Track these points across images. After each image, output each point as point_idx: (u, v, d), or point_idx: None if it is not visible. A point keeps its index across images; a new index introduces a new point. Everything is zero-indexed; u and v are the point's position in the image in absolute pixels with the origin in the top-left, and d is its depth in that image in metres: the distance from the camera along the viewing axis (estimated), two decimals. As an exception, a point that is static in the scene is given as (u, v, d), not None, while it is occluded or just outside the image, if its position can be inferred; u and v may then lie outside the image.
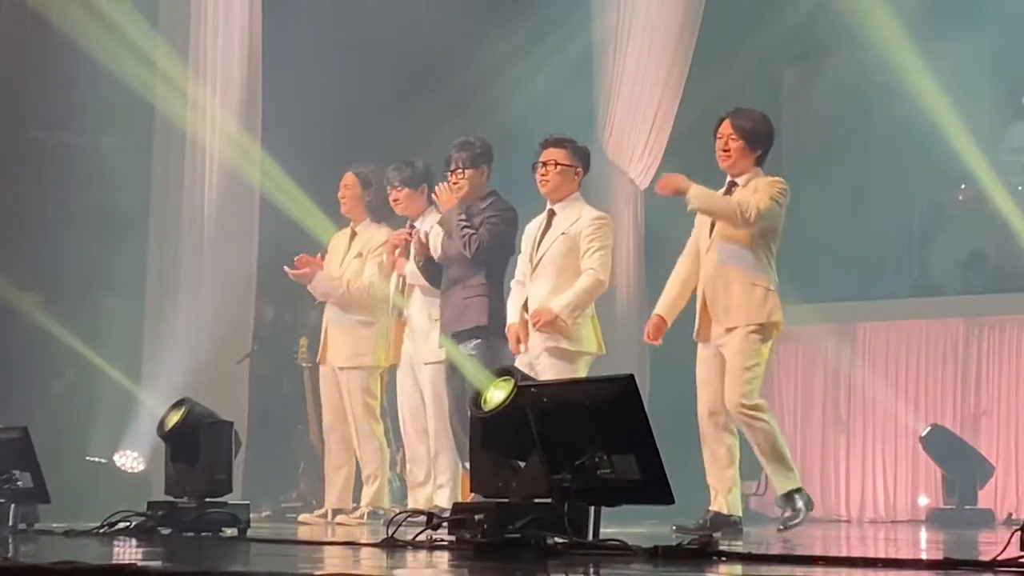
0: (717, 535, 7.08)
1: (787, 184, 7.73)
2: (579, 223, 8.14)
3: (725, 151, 7.67)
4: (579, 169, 8.25)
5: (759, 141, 7.67)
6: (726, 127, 7.68)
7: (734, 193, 7.65)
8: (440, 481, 8.86)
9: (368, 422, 9.30)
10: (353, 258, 9.43)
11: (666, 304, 7.84)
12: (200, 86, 10.84)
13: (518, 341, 8.11)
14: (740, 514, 7.71)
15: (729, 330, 7.56)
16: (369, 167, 9.46)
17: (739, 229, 7.54)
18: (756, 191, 7.57)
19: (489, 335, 8.50)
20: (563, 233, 8.12)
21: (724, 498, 7.61)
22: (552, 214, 8.21)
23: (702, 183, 7.77)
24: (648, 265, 11.93)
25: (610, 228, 8.29)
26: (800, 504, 7.57)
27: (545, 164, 8.16)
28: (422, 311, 8.95)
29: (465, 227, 8.47)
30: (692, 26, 11.65)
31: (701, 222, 7.79)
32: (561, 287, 8.07)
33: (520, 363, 7.95)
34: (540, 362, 8.02)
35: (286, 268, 9.43)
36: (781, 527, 7.63)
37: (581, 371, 8.09)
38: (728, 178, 7.74)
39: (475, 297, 8.52)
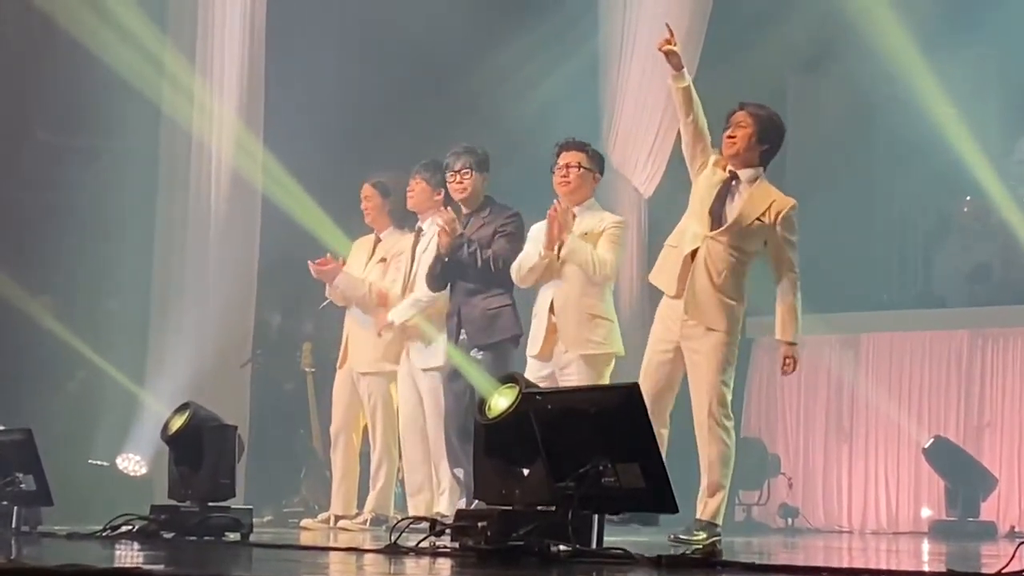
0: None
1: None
2: (602, 225, 8.14)
3: (731, 138, 7.47)
4: (597, 174, 8.28)
5: (768, 134, 7.47)
6: (737, 115, 7.50)
7: (738, 189, 7.46)
8: (443, 488, 8.86)
9: (387, 427, 9.29)
10: (376, 263, 9.42)
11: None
12: (207, 89, 10.84)
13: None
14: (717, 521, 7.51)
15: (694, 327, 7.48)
16: (386, 175, 9.45)
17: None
18: (772, 204, 7.41)
19: (514, 343, 8.53)
20: (586, 234, 8.10)
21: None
22: (572, 216, 8.18)
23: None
24: (651, 271, 11.94)
25: (626, 230, 8.36)
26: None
27: (568, 166, 8.16)
28: (426, 317, 8.96)
29: (479, 247, 8.48)
30: (697, 35, 11.65)
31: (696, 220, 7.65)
32: (589, 289, 8.06)
33: (541, 373, 7.95)
34: (571, 371, 8.01)
35: (310, 262, 9.41)
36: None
37: (608, 374, 8.10)
38: (728, 169, 7.50)
39: (502, 308, 8.52)
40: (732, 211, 7.45)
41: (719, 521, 7.38)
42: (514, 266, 8.26)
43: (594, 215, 8.19)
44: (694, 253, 7.47)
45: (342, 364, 9.47)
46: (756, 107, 7.54)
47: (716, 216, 7.47)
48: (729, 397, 7.45)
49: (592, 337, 8.05)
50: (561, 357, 8.06)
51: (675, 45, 7.48)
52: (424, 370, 8.93)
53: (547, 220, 8.06)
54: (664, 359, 7.54)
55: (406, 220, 9.38)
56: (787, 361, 7.46)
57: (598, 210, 8.26)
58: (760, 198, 7.45)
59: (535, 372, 7.99)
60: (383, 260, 9.38)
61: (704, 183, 7.55)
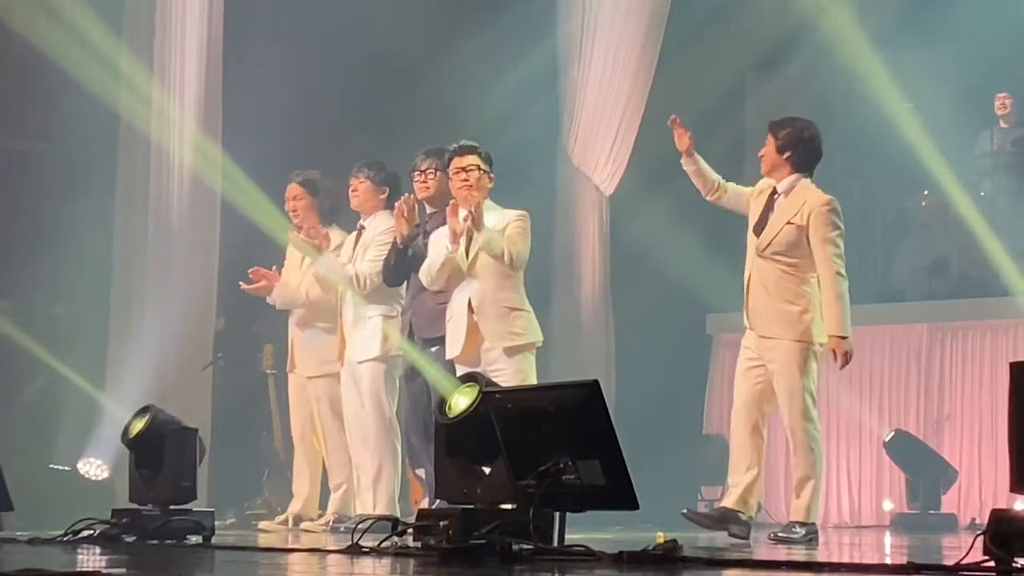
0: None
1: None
2: (505, 220, 8.24)
3: (761, 158, 7.80)
4: (492, 174, 8.37)
5: (788, 143, 7.70)
6: (767, 137, 7.80)
7: (776, 201, 7.70)
8: (380, 485, 8.87)
9: (336, 430, 9.29)
10: (310, 265, 9.41)
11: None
12: (165, 94, 10.82)
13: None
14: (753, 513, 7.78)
15: (766, 338, 7.64)
16: (310, 173, 9.47)
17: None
18: (804, 205, 7.59)
19: None
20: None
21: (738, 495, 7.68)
22: (477, 209, 8.22)
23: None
24: (612, 269, 11.98)
25: (528, 222, 8.33)
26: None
27: (466, 170, 8.26)
28: (354, 308, 8.98)
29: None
30: (656, 33, 11.71)
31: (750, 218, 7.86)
32: (504, 283, 8.16)
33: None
34: (501, 366, 8.06)
35: (242, 284, 9.44)
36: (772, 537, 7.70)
37: (533, 363, 8.21)
38: (772, 186, 7.77)
39: (447, 303, 8.55)
40: (770, 224, 7.67)
41: (812, 519, 7.59)
42: (423, 269, 8.35)
43: (496, 213, 8.29)
44: (751, 276, 7.71)
45: (292, 368, 9.50)
46: (777, 123, 7.83)
47: (759, 232, 7.71)
48: (811, 401, 7.59)
49: (513, 329, 8.18)
50: (487, 355, 8.16)
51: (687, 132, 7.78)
52: (359, 362, 8.94)
53: (447, 216, 8.17)
54: (750, 365, 7.72)
55: (333, 218, 9.36)
56: (834, 355, 7.57)
57: (497, 209, 8.35)
58: (793, 201, 7.67)
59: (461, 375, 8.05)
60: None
61: (753, 207, 7.81)
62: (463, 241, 8.15)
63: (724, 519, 7.63)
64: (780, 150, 7.71)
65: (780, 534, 7.55)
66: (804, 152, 7.74)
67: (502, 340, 8.14)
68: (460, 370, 8.05)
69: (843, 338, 7.54)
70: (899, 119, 11.25)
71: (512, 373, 8.01)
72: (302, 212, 9.41)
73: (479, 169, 8.28)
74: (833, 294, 7.55)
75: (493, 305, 8.17)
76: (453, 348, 8.24)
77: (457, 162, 8.31)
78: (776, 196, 7.72)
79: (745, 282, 7.75)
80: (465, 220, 8.12)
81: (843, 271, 7.62)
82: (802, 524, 7.55)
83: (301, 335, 9.41)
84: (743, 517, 7.66)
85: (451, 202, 8.21)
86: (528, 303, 8.31)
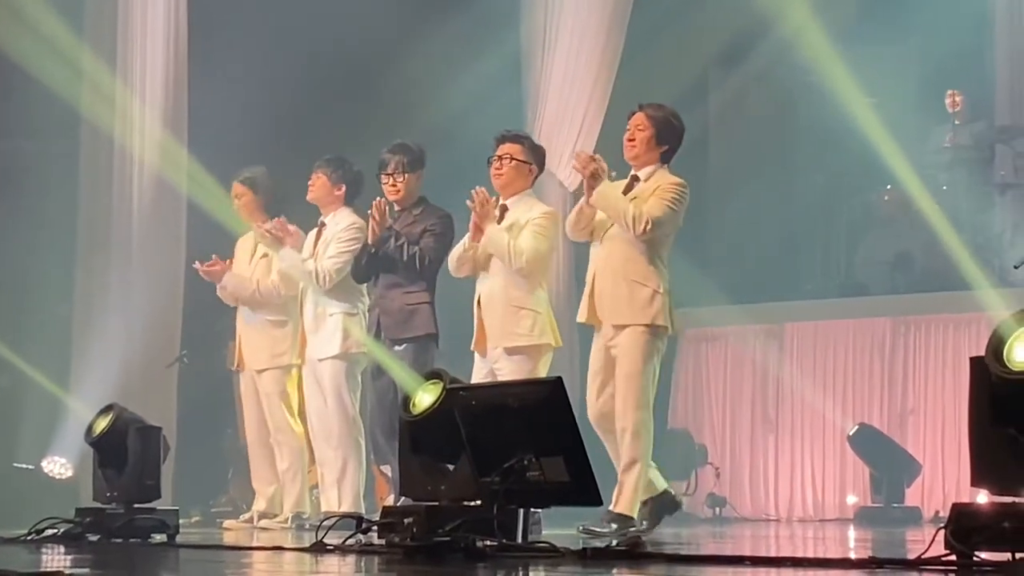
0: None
1: (687, 187, 7.66)
2: (528, 216, 8.06)
3: (631, 140, 7.66)
4: (533, 167, 8.17)
5: (667, 135, 7.65)
6: (636, 118, 7.68)
7: (635, 188, 7.62)
8: (344, 482, 8.87)
9: (287, 423, 9.30)
10: (259, 258, 9.44)
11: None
12: (128, 94, 10.79)
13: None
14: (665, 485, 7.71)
15: (617, 327, 7.56)
16: (253, 170, 9.48)
17: (629, 234, 7.51)
18: (656, 190, 7.55)
19: (431, 341, 8.54)
20: (511, 225, 8.02)
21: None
22: (504, 209, 8.11)
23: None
24: (577, 266, 11.96)
25: (555, 222, 8.17)
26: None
27: (500, 158, 8.10)
28: (315, 305, 8.98)
29: (406, 241, 8.49)
30: (620, 28, 11.72)
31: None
32: (516, 280, 7.97)
33: (482, 371, 7.97)
34: (501, 365, 7.95)
35: (196, 264, 9.43)
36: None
37: (543, 367, 8.02)
38: (631, 171, 7.71)
39: (420, 304, 8.52)
40: None
41: (634, 513, 7.42)
42: (449, 257, 8.26)
43: (524, 206, 8.11)
44: (598, 264, 7.61)
45: (240, 367, 9.47)
46: (654, 108, 7.70)
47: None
48: (650, 389, 7.52)
49: (516, 329, 7.94)
50: (492, 352, 8.00)
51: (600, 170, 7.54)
52: (319, 360, 8.94)
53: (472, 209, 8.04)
54: (597, 356, 7.64)
55: (276, 212, 9.33)
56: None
57: (530, 202, 8.17)
58: (650, 184, 7.60)
59: (477, 370, 8.01)
60: (265, 256, 9.40)
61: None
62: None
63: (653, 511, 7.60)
64: (658, 141, 7.64)
65: (592, 527, 7.29)
66: (675, 147, 7.72)
67: (504, 339, 7.95)
68: (478, 364, 8.01)
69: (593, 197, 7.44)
70: (862, 114, 11.27)
71: (509, 374, 7.83)
72: (247, 209, 9.47)
73: (513, 159, 8.07)
74: (632, 200, 7.47)
75: (500, 303, 7.97)
76: (473, 342, 8.13)
77: (498, 150, 8.13)
78: (637, 182, 7.65)
79: (590, 278, 7.64)
80: (491, 217, 7.97)
81: (657, 219, 7.43)
82: (621, 519, 7.35)
83: (249, 330, 9.41)
84: (676, 496, 7.68)
85: (476, 188, 7.97)
86: (544, 304, 8.08)
